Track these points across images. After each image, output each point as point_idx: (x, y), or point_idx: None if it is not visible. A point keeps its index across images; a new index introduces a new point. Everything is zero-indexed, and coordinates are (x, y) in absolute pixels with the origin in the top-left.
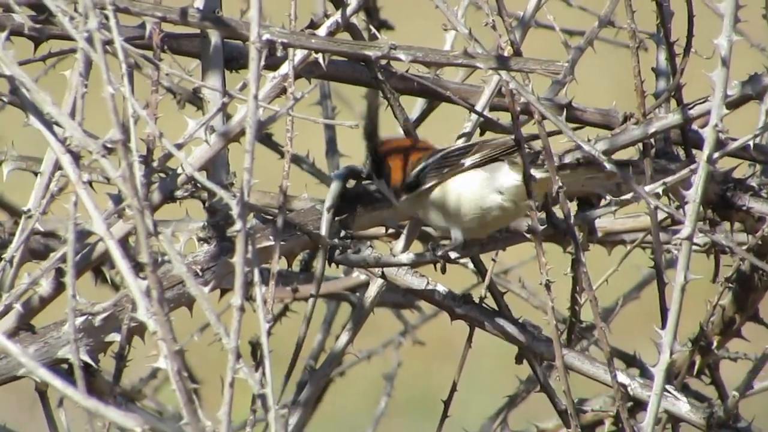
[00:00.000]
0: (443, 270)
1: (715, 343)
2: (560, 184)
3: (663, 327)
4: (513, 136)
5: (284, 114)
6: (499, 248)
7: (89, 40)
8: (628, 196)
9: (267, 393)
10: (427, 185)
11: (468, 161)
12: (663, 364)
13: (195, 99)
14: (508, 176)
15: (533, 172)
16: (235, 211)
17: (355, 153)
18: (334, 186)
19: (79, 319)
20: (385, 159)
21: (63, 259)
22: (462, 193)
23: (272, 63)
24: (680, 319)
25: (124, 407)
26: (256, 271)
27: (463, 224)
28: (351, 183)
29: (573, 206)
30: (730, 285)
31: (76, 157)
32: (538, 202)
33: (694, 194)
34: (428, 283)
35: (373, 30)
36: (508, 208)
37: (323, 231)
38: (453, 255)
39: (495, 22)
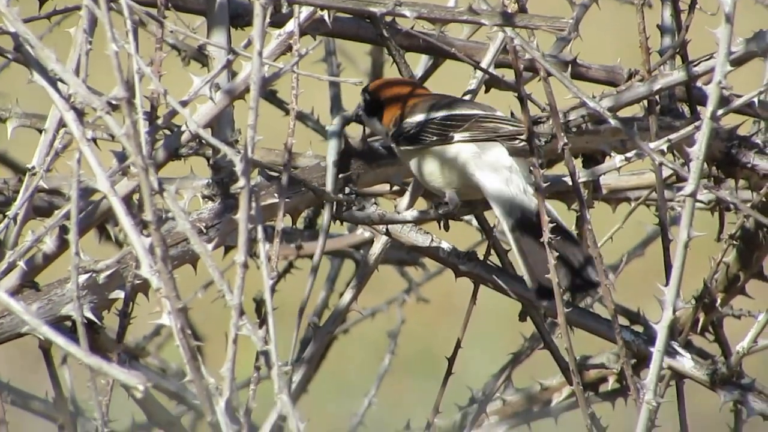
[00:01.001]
0: (446, 227)
1: (719, 301)
2: (565, 140)
3: (667, 284)
4: (520, 124)
5: (289, 71)
6: None
7: None
8: (633, 152)
9: (270, 350)
10: (421, 145)
11: (457, 136)
12: (666, 321)
13: (200, 56)
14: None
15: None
16: (238, 168)
17: None
18: (333, 143)
19: (83, 277)
20: (380, 98)
21: (67, 216)
22: (449, 162)
23: (277, 20)
24: (684, 276)
25: (127, 364)
26: (260, 228)
27: (452, 190)
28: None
29: (578, 163)
30: (735, 242)
31: (80, 114)
32: (542, 159)
33: (698, 151)
34: (432, 240)
35: None
36: None
37: (328, 187)
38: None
39: None
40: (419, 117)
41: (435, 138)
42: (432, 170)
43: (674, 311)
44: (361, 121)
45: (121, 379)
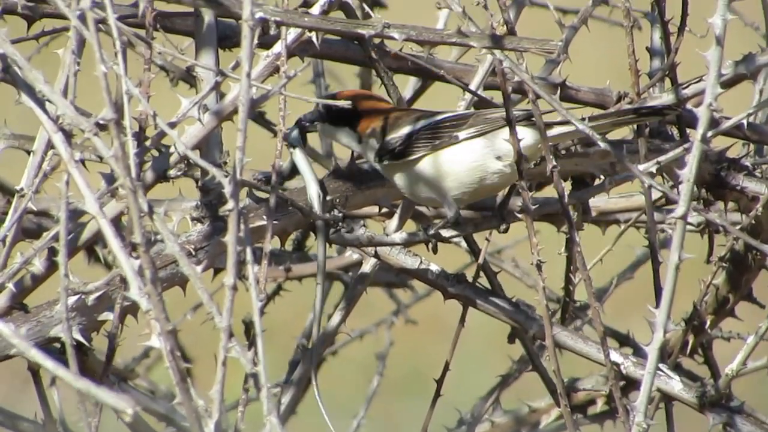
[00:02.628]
0: (435, 249)
1: (708, 323)
2: (554, 162)
3: (657, 306)
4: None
5: (277, 93)
6: (493, 227)
7: (82, 19)
8: (623, 175)
9: (259, 372)
10: (416, 155)
11: (462, 134)
12: (657, 343)
13: (188, 77)
14: (505, 143)
15: (528, 133)
16: (227, 190)
17: None
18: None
19: (72, 298)
20: (357, 107)
21: (56, 238)
22: (460, 161)
23: (265, 42)
24: (674, 298)
25: (116, 387)
26: (249, 250)
27: (456, 194)
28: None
29: (567, 185)
30: (724, 264)
31: (69, 136)
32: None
33: (688, 173)
34: (421, 262)
35: (367, 8)
36: (508, 173)
37: (316, 208)
38: (446, 234)
39: (488, 1)
40: (405, 130)
41: (436, 142)
42: (435, 177)
43: (665, 333)
44: (313, 130)
45: (110, 403)
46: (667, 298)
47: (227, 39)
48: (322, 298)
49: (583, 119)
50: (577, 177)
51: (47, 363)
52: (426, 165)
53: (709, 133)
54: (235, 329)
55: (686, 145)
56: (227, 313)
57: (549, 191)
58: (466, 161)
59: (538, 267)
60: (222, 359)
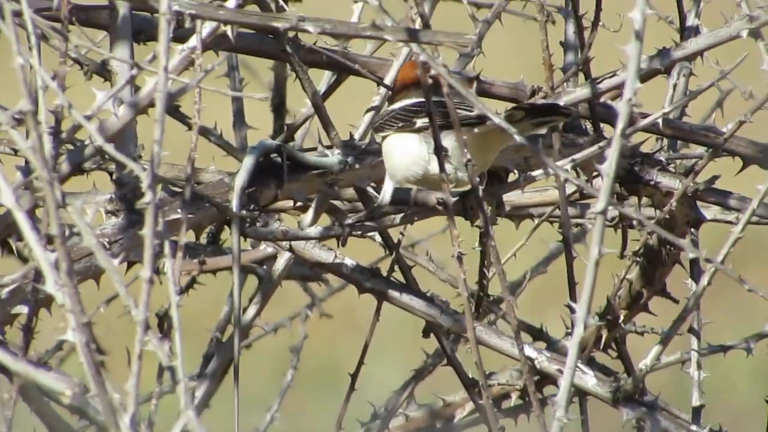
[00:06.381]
0: (344, 242)
1: (622, 318)
2: (468, 156)
3: (572, 301)
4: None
5: (194, 86)
6: (408, 222)
7: None
8: (539, 171)
9: (177, 365)
10: (385, 133)
11: (419, 122)
12: (577, 338)
13: (103, 71)
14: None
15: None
16: (145, 183)
17: (262, 125)
18: (248, 161)
19: None
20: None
21: None
22: (405, 149)
23: (180, 35)
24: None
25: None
26: (167, 244)
27: (400, 181)
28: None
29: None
30: (638, 259)
31: None
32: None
33: (608, 168)
34: (336, 256)
35: (281, 2)
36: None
37: (234, 204)
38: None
39: None
40: (394, 106)
41: (400, 124)
42: (387, 160)
43: (585, 327)
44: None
45: (49, 385)
46: (587, 293)
47: (142, 32)
48: (239, 290)
49: (498, 113)
50: (491, 171)
51: None
52: (386, 146)
53: (628, 131)
54: (149, 322)
55: (601, 143)
56: (144, 306)
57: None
58: (412, 151)
59: (459, 259)
60: (138, 352)
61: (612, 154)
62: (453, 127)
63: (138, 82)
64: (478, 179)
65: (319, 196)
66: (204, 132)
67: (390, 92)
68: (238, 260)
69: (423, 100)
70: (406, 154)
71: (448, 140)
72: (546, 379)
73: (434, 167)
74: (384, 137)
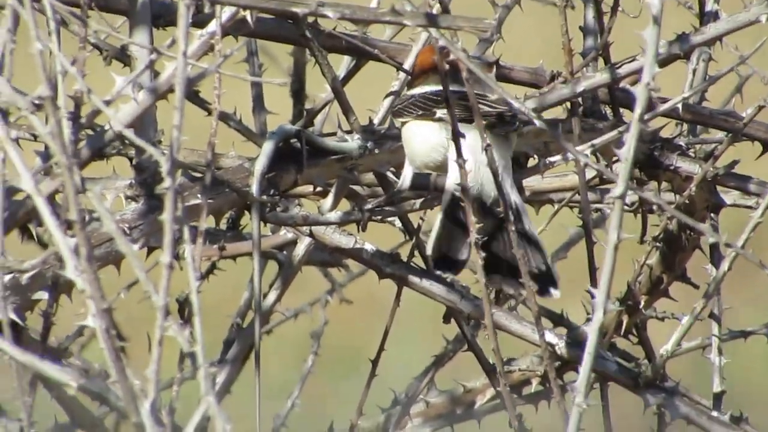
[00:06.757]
0: (364, 227)
1: (642, 303)
2: (488, 142)
3: (592, 286)
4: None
5: (213, 71)
6: (428, 207)
7: None
8: (558, 157)
9: (197, 351)
10: (404, 119)
11: (439, 112)
12: (597, 323)
13: (122, 56)
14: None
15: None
16: (164, 168)
17: (282, 110)
18: (267, 146)
19: (7, 277)
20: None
21: None
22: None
23: (199, 20)
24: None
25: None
26: (186, 229)
27: (419, 166)
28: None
29: None
30: (658, 244)
31: (4, 114)
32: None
33: (626, 152)
34: (356, 241)
35: None
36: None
37: (254, 190)
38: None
39: None
40: (414, 91)
41: (420, 112)
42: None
43: (605, 313)
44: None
45: (54, 376)
46: (606, 278)
47: (161, 17)
48: (259, 276)
49: (517, 99)
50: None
51: None
52: (406, 132)
53: (647, 116)
54: (170, 308)
55: (621, 128)
56: (164, 291)
57: None
58: (431, 138)
59: (476, 245)
60: (158, 338)
61: (630, 139)
62: (473, 121)
63: (157, 67)
64: (496, 164)
65: (339, 181)
66: (223, 117)
67: (409, 77)
68: (258, 246)
69: (442, 88)
70: (425, 141)
71: (470, 135)
72: (567, 364)
73: (453, 154)
74: (403, 123)
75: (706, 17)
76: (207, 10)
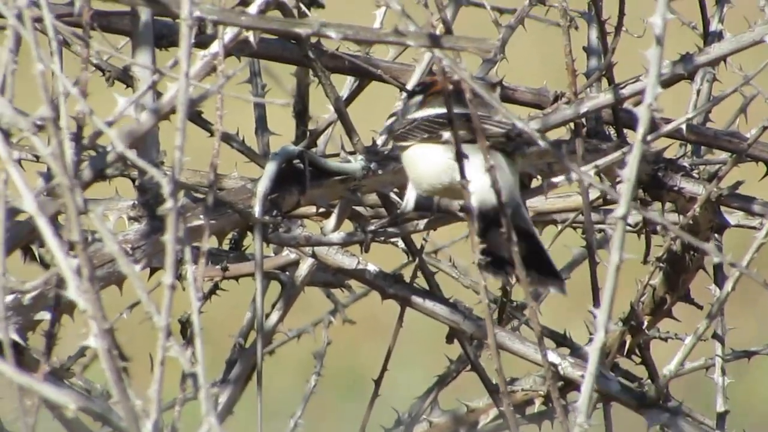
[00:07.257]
0: (366, 249)
1: (645, 323)
2: (492, 162)
3: (595, 306)
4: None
5: (215, 92)
6: (431, 228)
7: (19, 17)
8: (561, 177)
9: (198, 371)
10: (408, 143)
11: (446, 135)
12: (598, 343)
13: (125, 77)
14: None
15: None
16: (166, 189)
17: (285, 130)
18: (270, 167)
19: (9, 297)
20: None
21: None
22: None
23: (202, 41)
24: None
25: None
26: (188, 250)
27: (425, 191)
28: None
29: None
30: (661, 265)
31: (6, 135)
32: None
33: (629, 173)
34: (359, 262)
35: (304, 8)
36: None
37: (257, 210)
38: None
39: (427, 0)
40: (418, 114)
41: (425, 135)
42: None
43: (606, 333)
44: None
45: (53, 398)
46: (608, 298)
47: (164, 38)
48: (262, 296)
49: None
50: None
51: None
52: (410, 155)
53: (650, 137)
54: (172, 328)
55: (624, 149)
56: (166, 312)
57: None
58: (439, 160)
59: (480, 266)
60: (160, 358)
61: (633, 160)
62: (478, 142)
63: (160, 88)
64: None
65: (342, 202)
66: (226, 138)
67: (409, 97)
68: (261, 266)
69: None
70: (434, 163)
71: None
72: (570, 385)
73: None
74: (406, 147)
75: (710, 37)
76: (209, 30)
